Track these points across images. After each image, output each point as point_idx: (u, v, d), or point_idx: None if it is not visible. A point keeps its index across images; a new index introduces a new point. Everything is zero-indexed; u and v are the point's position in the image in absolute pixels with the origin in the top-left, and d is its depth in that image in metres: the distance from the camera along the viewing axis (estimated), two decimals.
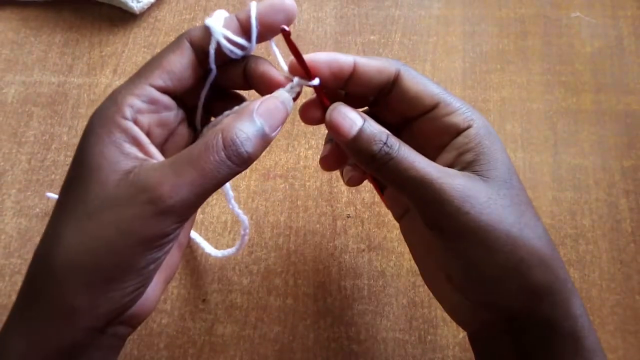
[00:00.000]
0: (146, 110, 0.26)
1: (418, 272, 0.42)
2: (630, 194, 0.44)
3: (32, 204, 0.46)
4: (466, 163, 0.27)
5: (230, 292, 0.42)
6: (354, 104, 0.30)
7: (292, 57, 0.28)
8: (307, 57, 0.28)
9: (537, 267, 0.26)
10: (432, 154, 0.28)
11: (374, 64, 0.28)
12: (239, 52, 0.28)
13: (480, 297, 0.27)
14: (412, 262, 0.43)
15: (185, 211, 0.24)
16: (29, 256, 0.43)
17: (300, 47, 0.27)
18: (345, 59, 0.28)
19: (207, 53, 0.27)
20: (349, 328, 0.41)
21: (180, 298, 0.42)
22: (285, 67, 0.29)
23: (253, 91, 0.30)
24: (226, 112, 0.29)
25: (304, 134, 0.47)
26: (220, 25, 0.27)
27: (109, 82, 0.51)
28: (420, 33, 0.51)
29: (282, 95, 0.27)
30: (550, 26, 0.51)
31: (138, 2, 0.52)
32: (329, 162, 0.32)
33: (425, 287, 0.42)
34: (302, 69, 0.28)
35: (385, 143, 0.26)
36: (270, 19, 0.27)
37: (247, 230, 0.38)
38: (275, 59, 0.30)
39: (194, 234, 0.43)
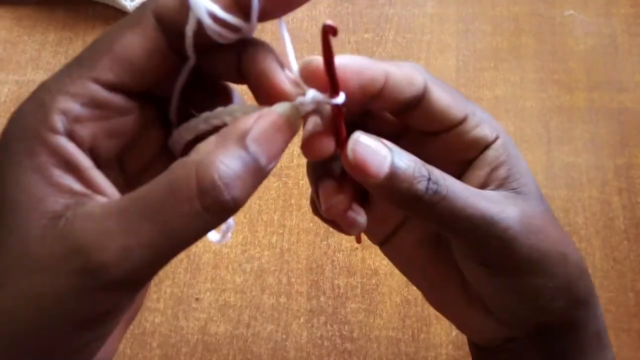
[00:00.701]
0: (88, 118, 0.18)
1: None
2: (624, 192, 0.45)
3: None
4: (501, 179, 0.24)
5: (224, 290, 0.42)
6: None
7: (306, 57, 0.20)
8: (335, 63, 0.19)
9: (581, 279, 0.24)
10: (454, 171, 0.24)
11: (405, 73, 0.21)
12: (230, 35, 0.19)
13: (522, 320, 0.25)
14: None
15: (138, 282, 0.17)
16: None
17: (293, 46, 0.21)
18: (376, 69, 0.21)
19: (182, 35, 0.18)
20: (343, 326, 0.41)
21: (173, 297, 0.42)
22: (295, 66, 0.20)
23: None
24: (205, 115, 0.20)
25: (297, 133, 0.47)
26: None
27: None
28: (414, 31, 0.51)
29: (287, 111, 0.19)
30: (543, 24, 0.51)
31: (131, 0, 0.52)
32: (318, 143, 0.21)
33: None
34: (329, 80, 0.19)
35: (429, 179, 0.21)
36: None
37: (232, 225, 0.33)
38: (283, 48, 0.21)
39: None
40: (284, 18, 0.19)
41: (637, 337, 0.40)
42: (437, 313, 0.41)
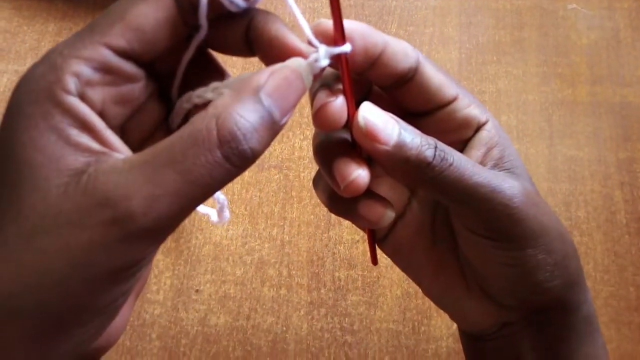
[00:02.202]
0: (99, 82, 0.18)
1: None
2: (625, 186, 0.44)
3: None
4: (496, 159, 0.25)
5: (224, 282, 0.42)
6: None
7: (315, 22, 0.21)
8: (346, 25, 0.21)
9: (574, 258, 0.25)
10: (457, 148, 0.25)
11: (402, 45, 0.23)
12: (241, 3, 0.19)
13: (519, 300, 0.26)
14: None
15: (165, 231, 0.18)
16: None
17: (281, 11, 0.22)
18: (377, 35, 0.22)
19: (194, 4, 0.19)
20: (343, 319, 0.41)
21: (173, 288, 0.42)
22: (307, 29, 0.21)
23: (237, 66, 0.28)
24: (214, 84, 0.21)
25: (298, 124, 0.47)
26: None
27: None
28: (416, 24, 0.51)
29: (300, 65, 0.19)
30: (546, 18, 0.51)
31: None
32: (334, 112, 0.22)
33: None
34: (337, 32, 0.20)
35: (436, 146, 0.22)
36: None
37: (225, 202, 0.30)
38: (290, 15, 0.22)
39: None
40: None
41: (638, 331, 0.40)
42: None
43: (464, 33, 0.51)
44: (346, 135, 0.24)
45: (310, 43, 0.20)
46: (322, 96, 0.22)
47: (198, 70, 0.22)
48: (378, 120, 0.21)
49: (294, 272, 0.42)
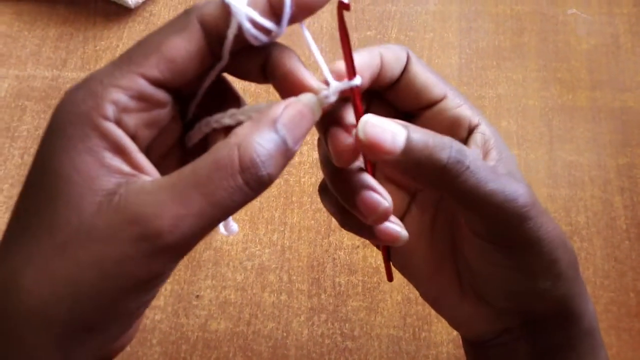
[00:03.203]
0: (134, 109, 0.20)
1: None
2: (625, 192, 0.44)
3: None
4: (494, 160, 0.25)
5: (224, 288, 0.42)
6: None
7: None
8: (356, 59, 0.23)
9: (575, 271, 0.25)
10: None
11: (394, 51, 0.25)
12: (264, 38, 0.21)
13: (518, 305, 0.26)
14: None
15: (187, 248, 0.19)
16: None
17: (297, 44, 0.24)
18: (376, 56, 0.24)
19: (221, 38, 0.21)
20: (343, 324, 0.41)
21: (173, 294, 0.42)
22: (324, 67, 0.22)
23: (248, 90, 0.28)
24: (231, 110, 0.23)
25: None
26: (244, 3, 0.20)
27: None
28: (416, 29, 0.51)
29: (311, 100, 0.21)
30: (546, 23, 0.51)
31: None
32: (353, 151, 0.23)
33: None
34: (349, 68, 0.22)
35: (452, 148, 0.22)
36: None
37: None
38: (307, 46, 0.23)
39: None
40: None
41: (638, 337, 0.40)
42: None
43: (464, 38, 0.51)
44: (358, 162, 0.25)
45: (325, 81, 0.22)
46: (338, 136, 0.23)
47: (214, 93, 0.23)
48: (378, 130, 0.21)
49: (294, 277, 0.42)
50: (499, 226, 0.23)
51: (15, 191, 0.46)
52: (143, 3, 0.53)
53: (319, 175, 0.45)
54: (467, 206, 0.23)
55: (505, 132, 0.47)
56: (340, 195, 0.25)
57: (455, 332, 0.40)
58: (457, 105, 0.25)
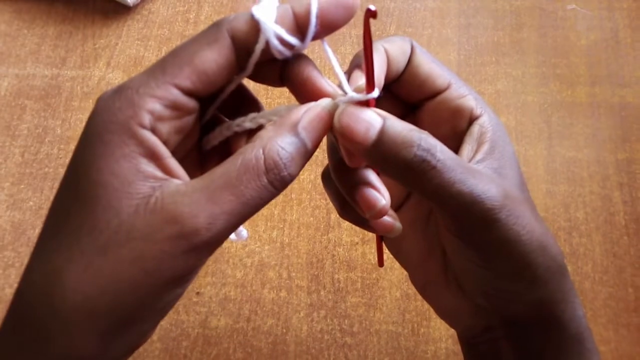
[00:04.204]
0: (167, 117, 0.21)
1: None
2: (624, 187, 0.44)
3: (25, 197, 0.46)
4: (485, 154, 0.25)
5: (224, 285, 0.42)
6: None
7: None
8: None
9: (557, 275, 0.24)
10: (448, 139, 0.25)
11: (398, 45, 0.25)
12: (288, 53, 0.22)
13: (492, 304, 0.26)
14: None
15: (218, 244, 0.21)
16: (23, 249, 0.44)
17: (312, 48, 0.25)
18: (382, 54, 0.24)
19: (249, 51, 0.22)
20: (342, 320, 0.41)
21: None
22: (343, 78, 0.23)
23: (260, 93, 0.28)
24: (252, 115, 0.24)
25: None
26: (272, 20, 0.21)
27: (102, 74, 0.50)
28: (415, 25, 0.51)
29: (329, 104, 0.22)
30: (545, 18, 0.51)
31: None
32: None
33: None
34: (369, 82, 0.22)
35: (420, 145, 0.22)
36: (331, 16, 0.22)
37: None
38: (328, 61, 0.24)
39: None
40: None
41: (636, 332, 0.40)
42: None
43: (462, 34, 0.51)
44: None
45: (341, 87, 0.23)
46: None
47: (232, 97, 0.25)
48: (352, 119, 0.22)
49: (293, 274, 0.42)
50: (467, 226, 0.23)
51: (16, 189, 0.46)
52: (142, 1, 0.53)
53: (317, 172, 0.46)
54: (434, 203, 0.23)
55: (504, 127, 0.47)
56: (342, 187, 0.26)
57: None
58: (461, 95, 0.26)
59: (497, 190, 0.23)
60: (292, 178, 0.21)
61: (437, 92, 0.26)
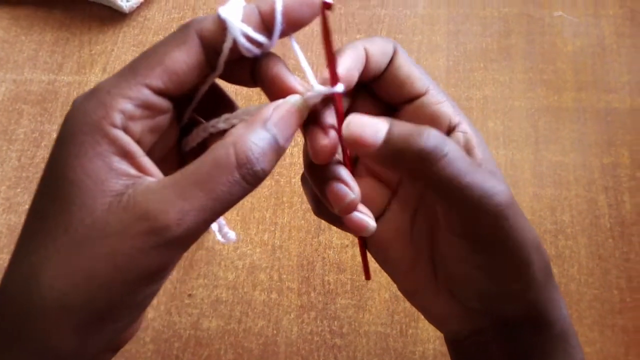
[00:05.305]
0: (139, 116, 0.22)
1: None
2: (610, 191, 0.45)
3: (22, 201, 0.46)
4: (478, 161, 0.25)
5: (216, 287, 0.43)
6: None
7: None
8: (341, 65, 0.24)
9: (549, 272, 0.25)
10: None
11: (379, 45, 0.25)
12: (256, 50, 0.23)
13: (488, 306, 0.26)
14: None
15: (191, 240, 0.21)
16: None
17: (287, 47, 0.25)
18: (360, 52, 0.25)
19: (218, 50, 0.22)
20: (332, 322, 0.42)
21: (166, 293, 0.43)
22: (310, 74, 0.24)
23: (240, 93, 0.29)
24: (226, 115, 0.25)
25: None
26: (238, 19, 0.22)
27: (98, 80, 0.51)
28: (405, 32, 0.52)
29: (298, 101, 0.23)
30: (533, 25, 0.52)
31: (127, 1, 0.53)
32: (329, 151, 0.25)
33: None
34: (331, 76, 0.23)
35: (429, 135, 0.22)
36: (295, 14, 0.22)
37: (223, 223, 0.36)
38: (296, 57, 0.25)
39: None
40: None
41: (621, 333, 0.41)
42: None
43: (451, 41, 0.52)
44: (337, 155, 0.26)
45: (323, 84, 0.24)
46: (316, 135, 0.24)
47: (208, 99, 0.26)
48: (360, 125, 0.23)
49: (284, 276, 0.43)
50: (474, 221, 0.23)
51: (13, 193, 0.47)
52: (137, 8, 0.54)
53: None
54: (444, 196, 0.23)
55: (491, 132, 0.48)
56: (314, 183, 0.26)
57: None
58: (438, 101, 0.26)
59: (505, 188, 0.23)
60: (264, 173, 0.21)
61: (416, 96, 0.26)
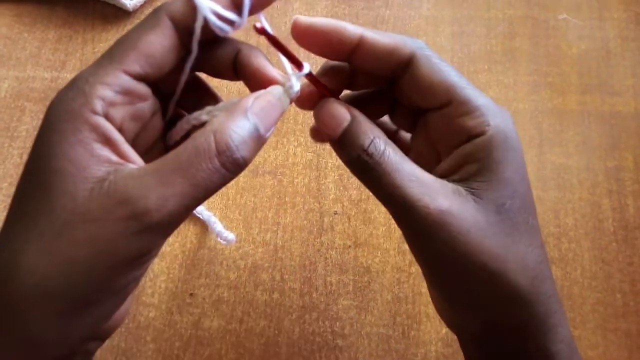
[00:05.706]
0: (119, 102, 0.22)
1: (403, 269, 0.43)
2: (613, 194, 0.45)
3: None
4: (468, 175, 0.24)
5: (218, 286, 0.43)
6: (367, 81, 0.27)
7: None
8: (306, 22, 0.25)
9: (514, 305, 0.23)
10: (444, 153, 0.25)
11: (385, 43, 0.25)
12: (228, 28, 0.23)
13: (455, 315, 0.27)
14: (397, 258, 0.43)
15: (172, 225, 0.21)
16: None
17: (290, 46, 0.25)
18: (350, 32, 0.24)
19: (191, 31, 0.23)
20: (334, 323, 0.41)
21: (168, 292, 0.43)
22: (286, 64, 0.25)
23: (227, 88, 0.30)
24: (208, 108, 0.25)
25: (292, 131, 0.48)
26: None
27: None
28: (409, 33, 0.52)
29: (278, 91, 0.24)
30: (537, 28, 0.52)
31: None
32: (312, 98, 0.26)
33: (410, 283, 0.42)
34: (293, 63, 0.24)
35: (365, 150, 0.23)
36: None
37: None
38: (270, 35, 0.25)
39: (206, 214, 0.43)
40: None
41: (624, 337, 0.41)
42: (428, 311, 0.41)
43: (456, 42, 0.51)
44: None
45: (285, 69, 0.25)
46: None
47: (192, 92, 0.26)
48: (324, 115, 0.25)
49: (286, 276, 0.43)
50: (407, 234, 0.25)
51: (14, 190, 0.46)
52: (141, 6, 0.54)
53: (311, 177, 0.46)
54: (384, 205, 0.24)
55: None
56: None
57: (444, 331, 0.41)
58: (463, 113, 0.24)
59: (443, 204, 0.22)
60: (245, 161, 0.22)
61: (436, 107, 0.25)
